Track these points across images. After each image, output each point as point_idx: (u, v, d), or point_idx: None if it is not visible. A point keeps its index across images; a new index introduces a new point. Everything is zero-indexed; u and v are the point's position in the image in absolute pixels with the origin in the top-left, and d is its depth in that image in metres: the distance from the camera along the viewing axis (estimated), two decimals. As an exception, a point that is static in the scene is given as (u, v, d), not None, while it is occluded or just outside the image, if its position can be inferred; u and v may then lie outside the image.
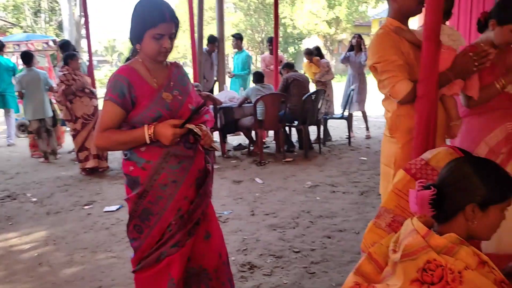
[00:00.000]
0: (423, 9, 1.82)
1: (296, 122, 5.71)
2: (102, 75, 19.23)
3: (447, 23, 2.58)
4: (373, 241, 1.64)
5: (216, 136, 5.67)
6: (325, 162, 5.35)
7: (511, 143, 2.12)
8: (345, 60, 6.62)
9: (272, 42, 7.04)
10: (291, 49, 26.10)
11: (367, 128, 6.75)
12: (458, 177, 1.20)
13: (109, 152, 5.34)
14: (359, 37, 6.45)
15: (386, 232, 1.62)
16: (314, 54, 6.67)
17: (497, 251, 2.18)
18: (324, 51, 26.68)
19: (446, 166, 1.27)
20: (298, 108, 5.59)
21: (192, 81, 1.95)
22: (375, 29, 30.85)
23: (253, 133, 5.92)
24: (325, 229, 3.20)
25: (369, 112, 6.73)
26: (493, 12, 2.02)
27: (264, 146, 6.04)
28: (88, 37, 5.99)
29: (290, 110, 5.66)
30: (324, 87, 6.36)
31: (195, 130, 1.69)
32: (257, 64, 20.76)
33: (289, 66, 6.16)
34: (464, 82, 1.96)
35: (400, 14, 1.97)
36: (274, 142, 6.22)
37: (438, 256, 1.14)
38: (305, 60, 6.87)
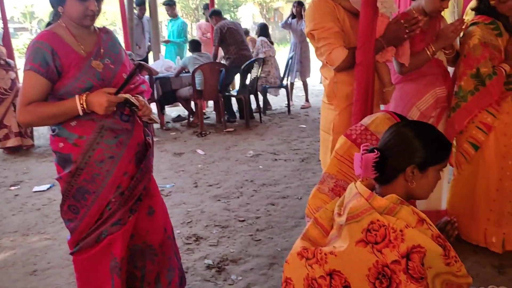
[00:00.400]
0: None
1: (239, 72, 5.47)
2: (21, 44, 17.44)
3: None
4: (317, 206, 1.68)
5: (153, 107, 5.45)
6: (266, 131, 5.40)
7: (440, 107, 2.27)
8: (287, 25, 6.59)
9: (208, 9, 6.79)
10: (227, 17, 25.55)
11: (307, 99, 6.86)
12: (400, 140, 1.25)
13: (34, 128, 4.92)
14: (298, 5, 6.43)
15: (329, 196, 1.66)
16: (257, 33, 6.57)
17: (426, 208, 2.37)
18: (260, 19, 26.47)
19: (388, 130, 1.31)
20: (239, 56, 5.48)
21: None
22: (309, -3, 31.06)
23: (192, 103, 5.76)
24: (269, 197, 3.25)
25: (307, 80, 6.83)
26: (424, -20, 2.07)
27: (204, 116, 5.93)
28: (1, 1, 5.34)
29: (231, 61, 5.52)
30: (266, 64, 6.29)
31: (131, 100, 1.58)
32: (193, 32, 20.03)
33: (217, 13, 5.87)
34: (396, 49, 2.01)
35: None
36: (214, 112, 6.12)
37: (381, 216, 1.19)
38: None
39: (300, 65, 6.52)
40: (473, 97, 2.17)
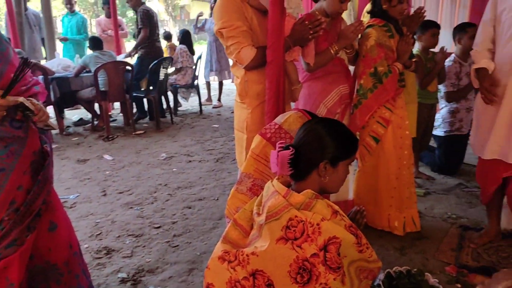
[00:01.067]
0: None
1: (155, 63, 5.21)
2: None
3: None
4: (236, 207, 1.67)
5: (50, 111, 4.95)
6: (178, 132, 5.26)
7: (344, 104, 2.41)
8: (200, 29, 6.58)
9: (109, 4, 6.38)
10: (129, 13, 24.38)
11: (219, 98, 6.84)
12: (313, 137, 1.29)
13: None
14: (214, 3, 6.41)
15: (247, 196, 1.66)
16: (179, 39, 6.33)
17: (336, 199, 2.50)
18: (166, 16, 25.76)
19: (302, 127, 1.34)
20: (155, 49, 5.33)
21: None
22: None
23: (96, 105, 5.37)
24: (185, 200, 3.16)
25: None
26: (324, -17, 2.18)
27: (111, 119, 5.58)
28: None
29: (146, 52, 5.30)
30: (180, 72, 6.12)
31: (26, 104, 1.40)
32: (92, 29, 18.53)
33: None
34: (302, 49, 2.09)
35: None
36: (121, 114, 5.79)
37: (298, 212, 1.21)
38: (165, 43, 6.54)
39: (218, 64, 6.48)
40: (372, 94, 2.34)
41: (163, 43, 6.53)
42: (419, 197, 2.88)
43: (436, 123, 3.44)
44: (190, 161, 4.11)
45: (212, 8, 6.34)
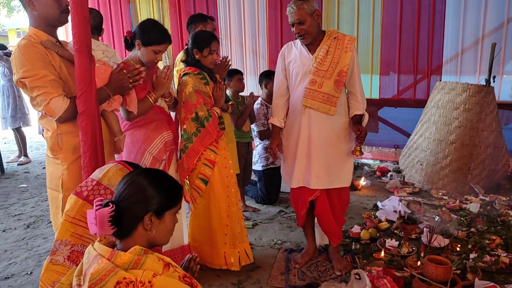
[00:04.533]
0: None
1: None
2: None
3: (100, 39, 2.62)
4: (52, 281, 1.45)
5: None
6: (-28, 199, 4.31)
7: (170, 150, 2.40)
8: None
9: None
10: None
11: (25, 153, 5.90)
12: (134, 189, 1.22)
13: None
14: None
15: (65, 267, 1.46)
16: None
17: (172, 247, 2.44)
18: None
19: (122, 180, 1.26)
20: None
21: None
22: (13, 39, 27.75)
23: None
24: (-15, 283, 2.56)
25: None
26: (138, 33, 2.18)
27: None
28: None
29: None
30: None
31: None
32: None
33: None
34: (123, 98, 2.02)
35: (43, 23, 1.81)
36: None
37: (127, 273, 1.12)
38: None
39: (5, 111, 5.65)
40: (197, 138, 2.40)
41: None
42: (249, 229, 3.05)
43: (254, 159, 3.78)
44: (-10, 233, 3.39)
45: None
